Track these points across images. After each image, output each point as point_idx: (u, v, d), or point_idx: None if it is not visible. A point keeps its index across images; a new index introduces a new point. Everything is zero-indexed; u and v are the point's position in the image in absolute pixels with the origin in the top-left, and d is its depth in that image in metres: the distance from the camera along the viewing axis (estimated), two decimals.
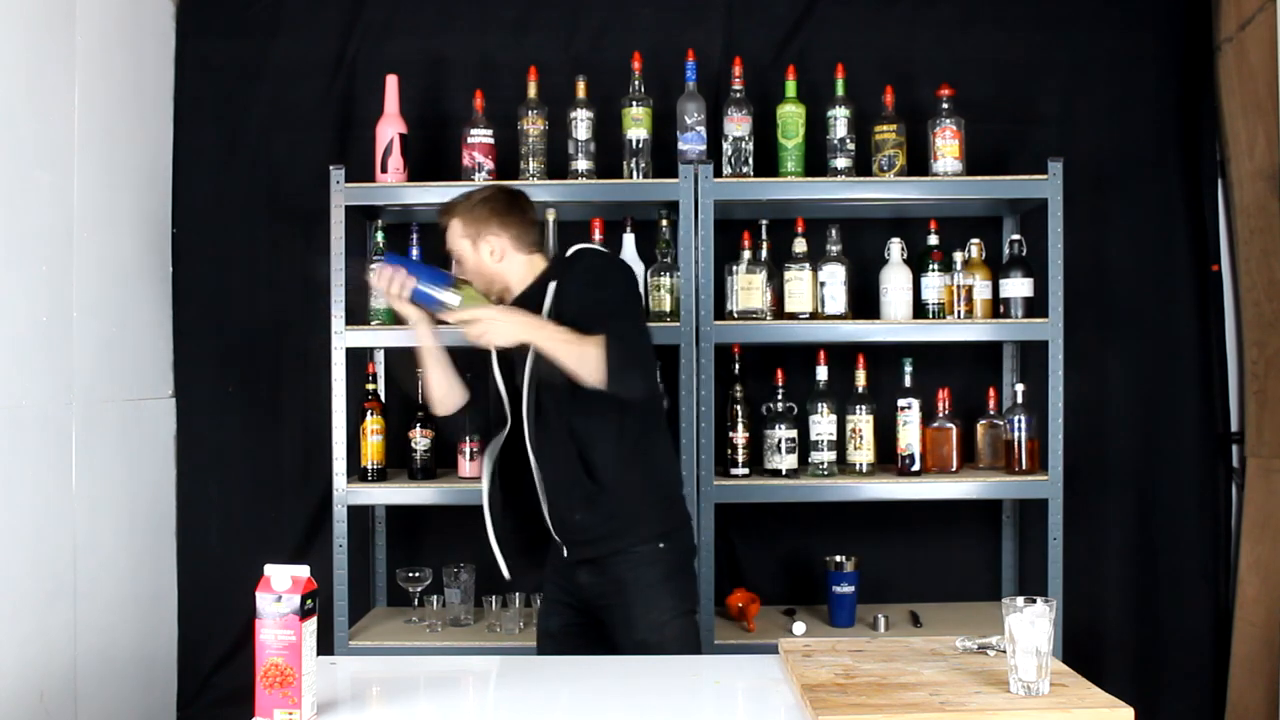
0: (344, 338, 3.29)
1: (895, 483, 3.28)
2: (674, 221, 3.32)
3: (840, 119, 3.33)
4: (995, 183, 3.29)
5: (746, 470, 3.33)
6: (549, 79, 3.39)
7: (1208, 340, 3.60)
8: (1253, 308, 3.49)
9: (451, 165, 3.47)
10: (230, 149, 3.67)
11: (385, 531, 3.62)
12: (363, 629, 3.40)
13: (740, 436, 3.33)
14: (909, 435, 3.31)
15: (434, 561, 3.46)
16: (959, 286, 3.36)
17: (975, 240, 3.42)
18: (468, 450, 3.36)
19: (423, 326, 2.64)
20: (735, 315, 3.30)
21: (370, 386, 3.42)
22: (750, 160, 3.33)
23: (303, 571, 1.74)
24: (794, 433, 3.32)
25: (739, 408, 3.34)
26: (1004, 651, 1.84)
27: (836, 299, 3.32)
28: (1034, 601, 1.78)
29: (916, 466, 3.31)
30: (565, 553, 2.59)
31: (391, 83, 3.39)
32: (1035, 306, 3.32)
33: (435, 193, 3.27)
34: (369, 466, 3.36)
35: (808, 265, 3.31)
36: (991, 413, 3.46)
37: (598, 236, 3.32)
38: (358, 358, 3.40)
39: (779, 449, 3.32)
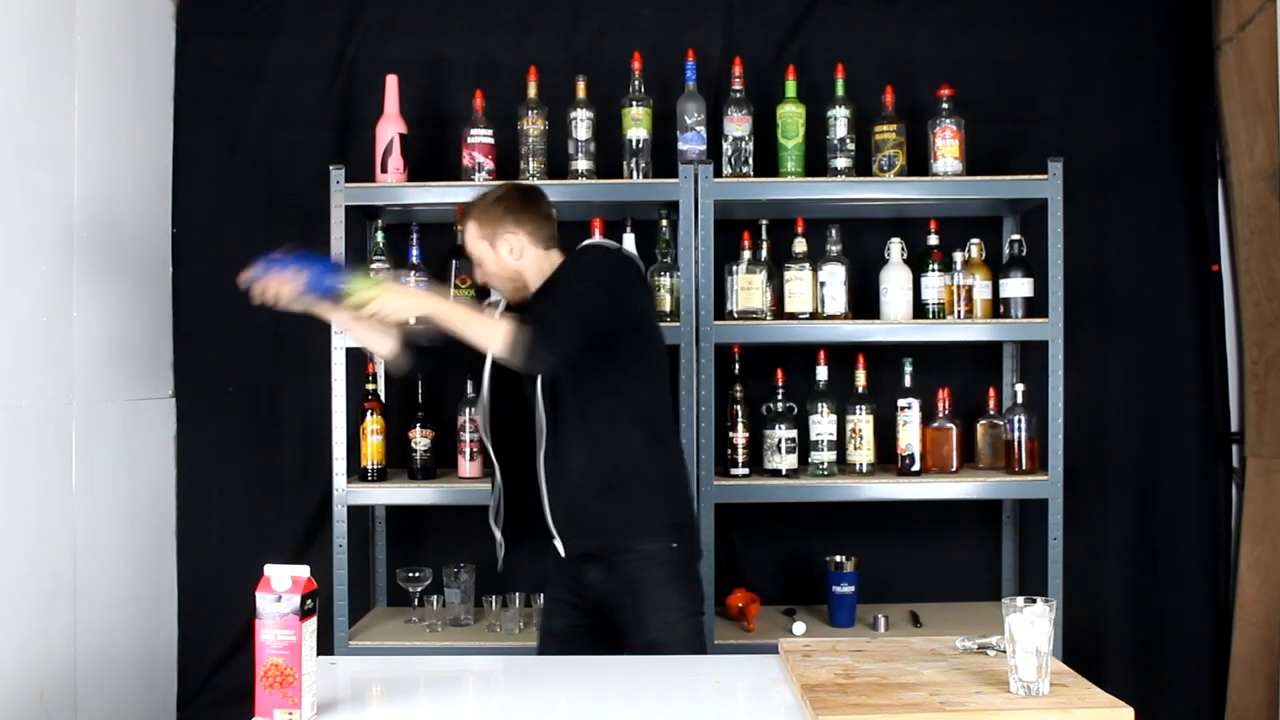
0: (344, 338, 3.28)
1: (895, 483, 3.28)
2: (674, 221, 3.32)
3: (840, 119, 3.33)
4: (995, 183, 3.29)
5: (746, 470, 3.33)
6: (549, 79, 3.39)
7: (1208, 340, 3.60)
8: (1253, 308, 3.49)
9: (451, 165, 3.47)
10: (230, 149, 3.67)
11: (385, 531, 3.62)
12: (363, 629, 3.40)
13: (740, 436, 3.33)
14: (909, 435, 3.31)
15: (434, 561, 3.46)
16: (959, 286, 3.36)
17: (975, 240, 3.42)
18: (468, 450, 3.36)
19: (325, 311, 2.57)
20: (735, 315, 3.30)
21: (370, 386, 3.42)
22: (750, 160, 3.33)
23: (303, 571, 1.74)
24: (794, 433, 3.32)
25: (739, 408, 3.34)
26: (1004, 651, 1.84)
27: (836, 299, 3.33)
28: (1034, 601, 1.78)
29: (916, 466, 3.31)
30: (563, 550, 2.57)
31: (391, 83, 3.39)
32: (1035, 306, 3.32)
33: (435, 193, 3.27)
34: (369, 466, 3.36)
35: (808, 265, 3.31)
36: (991, 413, 3.46)
37: (598, 237, 3.31)
38: (358, 358, 3.40)
39: (779, 449, 3.32)
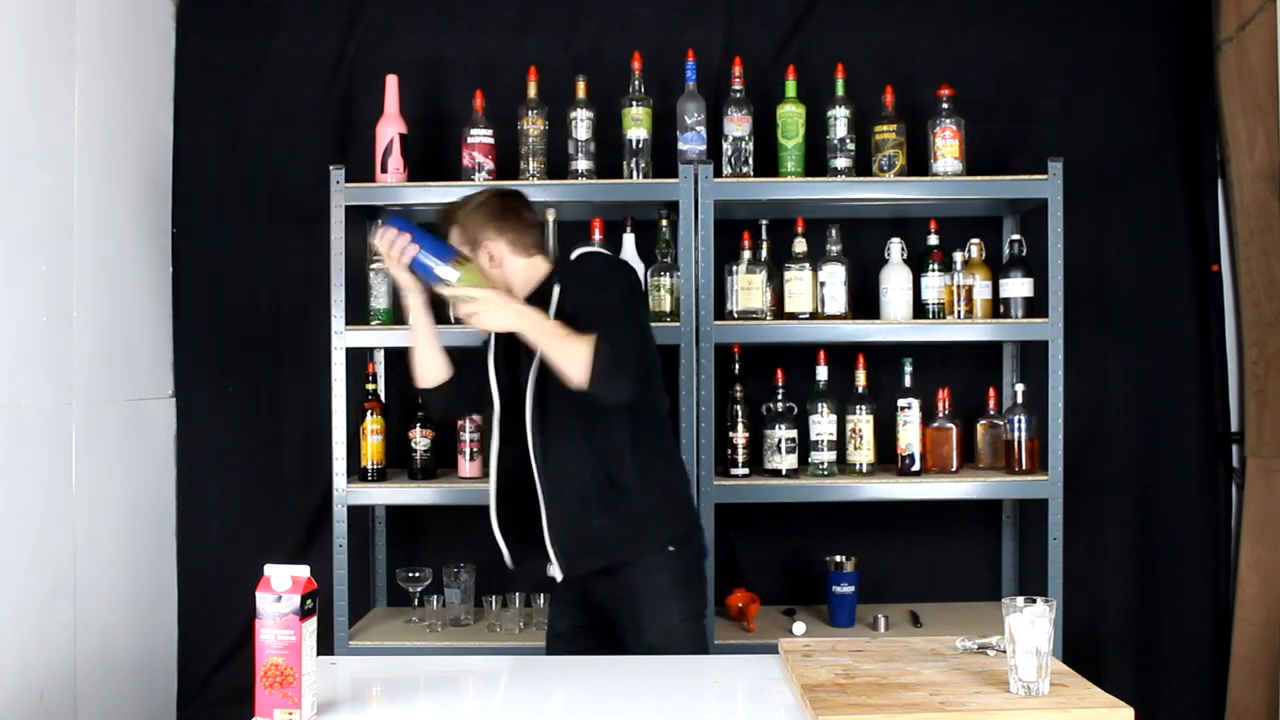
0: (344, 338, 3.29)
1: (895, 483, 3.28)
2: (674, 221, 3.32)
3: (840, 119, 3.33)
4: (995, 183, 3.29)
5: (746, 470, 3.33)
6: (549, 79, 3.39)
7: (1208, 340, 3.60)
8: (1253, 308, 3.49)
9: (451, 165, 3.47)
10: (230, 149, 3.67)
11: (385, 531, 3.62)
12: (363, 629, 3.40)
13: (740, 436, 3.33)
14: (909, 435, 3.31)
15: (434, 561, 3.46)
16: (959, 286, 3.36)
17: (975, 240, 3.42)
18: (468, 450, 3.37)
19: (415, 296, 2.58)
20: (735, 315, 3.30)
21: (370, 386, 3.42)
22: (750, 160, 3.33)
23: (303, 571, 1.75)
24: (794, 433, 3.32)
25: (739, 408, 3.34)
26: (1004, 651, 1.84)
27: (836, 299, 3.33)
28: (1034, 601, 1.78)
29: (916, 466, 3.31)
30: (561, 574, 2.54)
31: (391, 83, 3.39)
32: (1035, 306, 3.32)
33: (435, 193, 3.27)
34: (369, 466, 3.36)
35: (808, 265, 3.31)
36: (991, 413, 3.46)
37: (598, 237, 3.32)
38: (358, 358, 3.40)
39: (779, 449, 3.32)
